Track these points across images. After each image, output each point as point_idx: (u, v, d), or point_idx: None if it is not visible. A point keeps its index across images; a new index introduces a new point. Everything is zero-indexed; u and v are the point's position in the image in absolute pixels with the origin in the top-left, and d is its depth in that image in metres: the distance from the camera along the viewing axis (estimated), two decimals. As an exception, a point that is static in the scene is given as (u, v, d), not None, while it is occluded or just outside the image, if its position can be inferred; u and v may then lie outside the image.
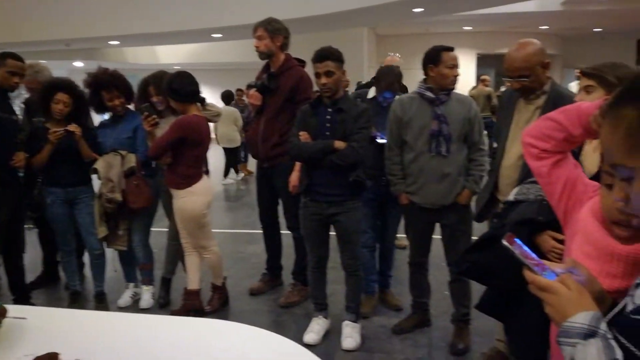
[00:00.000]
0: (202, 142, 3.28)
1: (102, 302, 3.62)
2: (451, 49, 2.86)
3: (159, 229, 4.05)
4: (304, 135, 2.91)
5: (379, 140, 3.21)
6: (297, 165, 3.26)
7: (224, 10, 8.43)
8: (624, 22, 13.32)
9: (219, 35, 10.42)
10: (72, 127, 3.28)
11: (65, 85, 3.39)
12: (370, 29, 13.45)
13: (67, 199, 3.45)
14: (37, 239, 4.09)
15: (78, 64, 13.47)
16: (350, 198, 2.94)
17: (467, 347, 2.99)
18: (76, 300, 3.66)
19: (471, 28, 14.47)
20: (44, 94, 3.36)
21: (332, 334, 3.18)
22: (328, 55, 2.83)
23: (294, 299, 3.68)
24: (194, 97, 3.27)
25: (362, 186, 2.96)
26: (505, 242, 0.89)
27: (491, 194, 2.60)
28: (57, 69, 15.45)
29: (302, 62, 3.62)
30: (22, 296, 3.54)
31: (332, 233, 3.08)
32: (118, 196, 3.35)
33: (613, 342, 0.75)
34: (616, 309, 0.84)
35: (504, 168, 2.52)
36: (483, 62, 15.77)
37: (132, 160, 3.41)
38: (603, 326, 0.77)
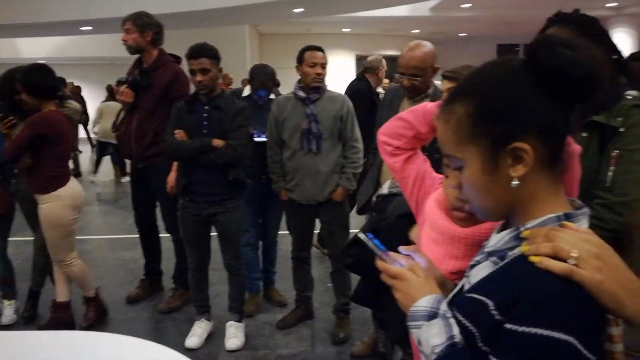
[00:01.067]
0: (64, 138, 3.02)
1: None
2: (316, 48, 2.95)
3: (24, 239, 3.69)
4: (179, 134, 2.83)
5: (257, 139, 3.22)
6: (175, 165, 3.16)
7: (94, 2, 7.90)
8: (485, 28, 14.67)
9: (89, 28, 9.75)
10: None
11: None
12: (252, 27, 13.41)
13: None
14: None
15: None
16: (231, 197, 2.91)
17: (347, 336, 3.11)
18: None
19: (350, 30, 15.01)
20: None
21: (216, 336, 3.13)
22: (203, 52, 2.78)
23: (175, 304, 3.56)
24: (52, 92, 3.03)
25: (242, 185, 2.95)
26: (361, 236, 0.94)
27: (374, 189, 2.71)
28: None
29: (177, 59, 3.51)
30: None
31: (213, 233, 3.03)
32: None
33: (452, 321, 0.82)
34: (455, 289, 0.92)
35: (385, 164, 2.63)
36: (362, 62, 16.44)
37: None
38: (443, 306, 0.85)
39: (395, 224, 1.83)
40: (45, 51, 12.83)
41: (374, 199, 2.20)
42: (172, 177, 3.20)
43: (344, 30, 15.00)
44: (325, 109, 2.92)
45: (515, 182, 0.77)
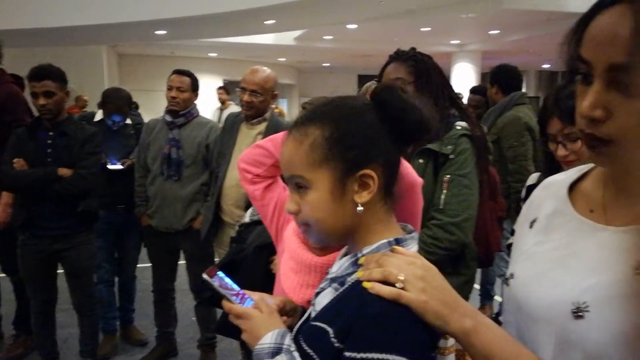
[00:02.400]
0: None
1: None
2: (176, 72, 2.91)
3: None
4: (18, 163, 2.55)
5: (110, 167, 3.02)
6: (3, 197, 2.84)
7: None
8: (346, 60, 15.50)
9: None
10: None
11: None
12: (110, 47, 12.71)
13: None
14: None
15: None
16: (80, 230, 2.68)
17: (214, 370, 2.99)
18: None
19: (217, 55, 14.92)
20: None
21: (64, 385, 2.82)
22: (47, 74, 2.55)
23: (17, 352, 3.15)
24: None
25: (93, 217, 2.73)
26: (205, 276, 0.91)
27: (215, 214, 2.67)
28: None
29: (18, 79, 3.18)
30: None
31: (60, 270, 2.75)
32: None
33: (296, 354, 0.82)
34: (303, 318, 0.92)
35: (226, 189, 2.61)
36: (229, 87, 16.41)
37: None
38: (287, 340, 0.84)
39: (255, 255, 1.82)
40: None
41: (236, 227, 2.17)
42: (3, 211, 2.86)
43: (210, 54, 14.86)
44: (190, 135, 2.84)
45: (360, 208, 0.81)
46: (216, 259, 2.90)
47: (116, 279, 3.35)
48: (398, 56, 1.78)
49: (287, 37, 11.77)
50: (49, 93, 2.54)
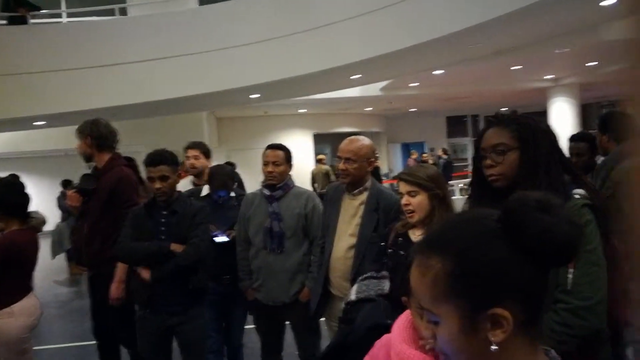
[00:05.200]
0: (22, 259, 2.87)
1: None
2: (270, 147, 2.98)
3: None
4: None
5: (217, 239, 3.13)
6: (118, 274, 3.03)
7: (48, 98, 7.85)
8: (433, 104, 15.37)
9: (42, 123, 9.63)
10: None
11: None
12: (209, 112, 13.60)
13: None
14: None
15: None
16: (193, 305, 2.77)
17: None
18: None
19: (306, 110, 15.44)
20: None
21: None
22: (162, 160, 2.74)
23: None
24: (18, 210, 2.90)
25: (203, 292, 2.83)
26: None
27: (324, 287, 2.64)
28: None
29: (130, 161, 3.45)
30: None
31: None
32: None
33: None
34: None
35: (333, 261, 2.60)
36: (319, 140, 16.82)
37: None
38: None
39: (366, 338, 1.76)
40: (-5, 146, 12.53)
41: (342, 305, 2.13)
42: (114, 288, 3.07)
43: (300, 111, 15.41)
44: (289, 207, 2.90)
45: (494, 347, 0.73)
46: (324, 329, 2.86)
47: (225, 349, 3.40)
48: (498, 120, 1.63)
49: (373, 88, 11.94)
50: (164, 177, 2.72)
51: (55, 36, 8.29)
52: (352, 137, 2.70)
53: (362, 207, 2.55)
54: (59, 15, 10.57)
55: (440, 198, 2.08)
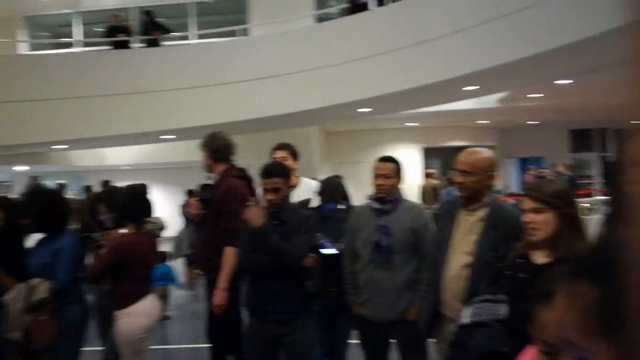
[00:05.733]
0: (138, 261, 3.11)
1: None
2: (381, 159, 2.92)
3: (96, 349, 3.67)
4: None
5: (324, 251, 3.13)
6: (221, 282, 3.15)
7: (175, 113, 8.52)
8: (556, 115, 14.34)
9: (172, 137, 10.45)
10: None
11: None
12: (319, 126, 13.90)
13: None
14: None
15: (21, 167, 13.11)
16: (300, 315, 2.78)
17: None
18: None
19: (416, 124, 15.19)
20: None
21: None
22: (275, 172, 2.80)
23: None
24: (134, 215, 3.16)
25: (311, 301, 2.83)
26: None
27: (435, 307, 2.51)
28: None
29: (242, 171, 3.58)
30: None
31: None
32: (16, 336, 2.94)
33: None
34: None
35: (446, 279, 2.46)
36: (428, 154, 16.45)
37: (43, 290, 2.97)
38: None
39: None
40: (129, 158, 13.81)
41: (453, 328, 2.00)
42: (218, 295, 3.18)
43: (408, 124, 15.20)
44: (399, 221, 2.81)
45: None
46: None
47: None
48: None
49: (489, 100, 11.41)
50: (276, 189, 2.77)
51: (184, 57, 9.01)
52: (472, 148, 2.57)
53: (480, 224, 2.40)
54: (186, 37, 11.49)
55: (569, 217, 1.88)
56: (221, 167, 3.50)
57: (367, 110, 9.79)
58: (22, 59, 9.97)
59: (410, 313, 2.75)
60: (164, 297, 6.58)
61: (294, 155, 3.69)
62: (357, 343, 3.09)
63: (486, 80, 7.88)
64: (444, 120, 14.52)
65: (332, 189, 3.33)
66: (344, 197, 3.55)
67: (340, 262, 3.06)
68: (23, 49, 12.37)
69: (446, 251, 2.48)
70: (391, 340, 2.91)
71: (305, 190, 3.48)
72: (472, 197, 2.46)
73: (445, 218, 2.57)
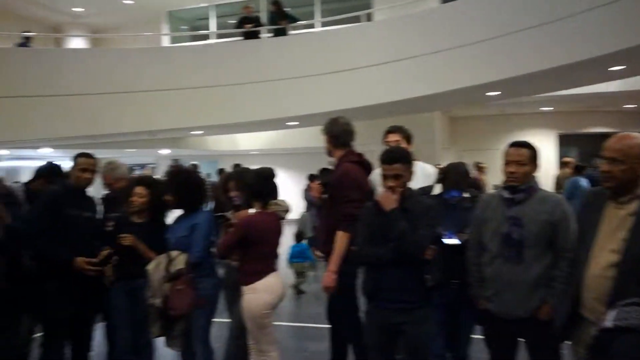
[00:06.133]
0: (264, 239, 3.24)
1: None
2: (514, 144, 2.69)
3: (225, 320, 3.91)
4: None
5: (446, 241, 3.00)
6: (333, 263, 3.17)
7: (300, 100, 8.75)
8: None
9: (296, 123, 10.79)
10: (126, 240, 3.42)
11: (143, 181, 3.69)
12: (443, 112, 13.45)
13: (130, 290, 3.50)
14: (105, 333, 4.10)
15: (164, 151, 14.42)
16: (420, 305, 2.69)
17: None
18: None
19: (551, 108, 14.06)
20: (128, 188, 3.65)
21: None
22: (398, 158, 2.71)
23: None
24: (260, 195, 3.30)
25: (434, 292, 2.72)
26: None
27: (573, 308, 2.28)
28: (144, 157, 16.61)
29: (360, 157, 3.53)
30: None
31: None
32: (157, 302, 3.27)
33: None
34: None
35: (588, 278, 2.22)
36: (565, 141, 15.15)
37: (180, 262, 3.29)
38: None
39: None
40: (259, 143, 14.57)
41: (593, 332, 1.80)
42: (327, 277, 3.21)
43: (542, 109, 14.10)
44: (532, 212, 2.58)
45: None
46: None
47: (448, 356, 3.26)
48: None
49: (638, 82, 10.16)
50: (397, 176, 2.69)
51: (308, 45, 9.21)
52: (623, 133, 2.27)
53: (631, 218, 2.13)
54: (312, 26, 11.73)
55: None
56: (340, 152, 3.51)
57: (495, 94, 9.24)
58: (164, 51, 10.88)
59: (542, 311, 2.53)
60: (300, 274, 6.89)
61: (408, 138, 3.57)
62: (481, 339, 2.94)
63: (635, 59, 7.01)
64: (584, 104, 13.25)
65: (457, 176, 3.16)
66: (469, 185, 3.37)
67: (464, 253, 2.90)
68: (165, 42, 13.53)
69: (589, 247, 2.23)
70: (520, 339, 2.72)
71: (422, 175, 3.33)
72: (622, 188, 2.19)
73: (590, 210, 2.32)
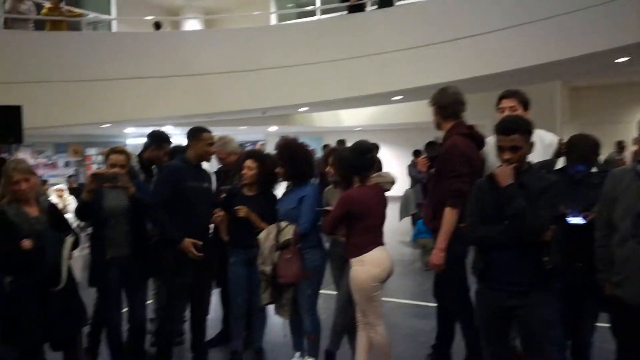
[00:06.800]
0: (366, 213, 3.22)
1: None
2: None
3: (332, 292, 3.97)
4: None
5: (571, 220, 2.74)
6: (440, 241, 3.06)
7: (405, 74, 8.51)
8: None
9: (399, 97, 10.56)
10: (241, 211, 3.59)
11: (253, 154, 3.85)
12: (563, 83, 12.38)
13: (247, 259, 3.67)
14: (220, 297, 4.35)
15: (273, 128, 14.88)
16: (537, 288, 2.49)
17: None
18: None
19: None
20: (239, 162, 3.83)
21: None
22: (516, 128, 2.49)
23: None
24: (358, 170, 3.27)
25: (553, 273, 2.51)
26: None
27: None
28: (255, 134, 17.27)
29: (471, 129, 3.33)
30: (200, 355, 3.79)
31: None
32: (267, 269, 3.45)
33: None
34: None
35: None
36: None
37: (289, 232, 3.44)
38: None
39: None
40: (362, 120, 14.52)
41: None
42: (434, 255, 3.11)
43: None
44: None
45: None
46: None
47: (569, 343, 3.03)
48: None
49: None
50: (515, 148, 2.48)
51: (410, 16, 8.88)
52: None
53: None
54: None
55: None
56: (449, 124, 3.33)
57: (624, 60, 8.29)
58: (272, 29, 11.09)
59: (686, 302, 2.25)
60: (426, 249, 6.84)
61: (525, 104, 3.23)
62: (607, 327, 2.68)
63: None
64: None
65: (585, 149, 2.86)
66: (597, 158, 3.05)
67: (589, 234, 2.65)
68: (273, 20, 13.82)
69: None
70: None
71: (541, 146, 3.02)
72: None
73: (627, 191, 2.07)
